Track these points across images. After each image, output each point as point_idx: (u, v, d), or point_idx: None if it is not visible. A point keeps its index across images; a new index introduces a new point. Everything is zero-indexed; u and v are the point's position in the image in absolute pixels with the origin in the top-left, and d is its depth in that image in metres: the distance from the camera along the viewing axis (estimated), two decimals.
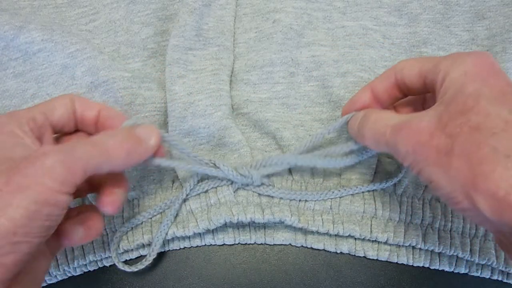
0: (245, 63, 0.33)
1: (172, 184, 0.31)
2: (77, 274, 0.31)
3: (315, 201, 0.30)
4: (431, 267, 0.30)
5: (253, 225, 0.31)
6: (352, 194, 0.30)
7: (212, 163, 0.28)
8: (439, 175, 0.21)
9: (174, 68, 0.31)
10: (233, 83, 0.33)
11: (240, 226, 0.31)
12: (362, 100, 0.27)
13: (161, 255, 0.31)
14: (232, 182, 0.30)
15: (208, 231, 0.30)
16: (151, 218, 0.30)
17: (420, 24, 0.35)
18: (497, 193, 0.18)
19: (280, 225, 0.31)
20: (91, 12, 0.36)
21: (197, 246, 0.31)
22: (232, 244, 0.31)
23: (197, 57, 0.32)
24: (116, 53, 0.34)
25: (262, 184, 0.30)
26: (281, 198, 0.30)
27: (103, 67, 0.31)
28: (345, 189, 0.30)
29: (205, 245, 0.31)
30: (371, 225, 0.30)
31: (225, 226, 0.31)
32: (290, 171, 0.31)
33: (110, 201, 0.24)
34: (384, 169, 0.31)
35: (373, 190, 0.30)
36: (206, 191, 0.30)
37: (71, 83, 0.32)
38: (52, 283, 0.31)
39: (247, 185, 0.30)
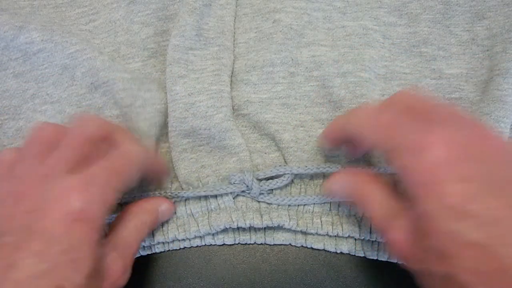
0: (245, 63, 0.33)
1: (171, 185, 0.31)
2: None
3: (314, 205, 0.30)
4: None
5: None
6: None
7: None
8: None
9: (174, 68, 0.31)
10: (233, 83, 0.33)
11: (240, 226, 0.31)
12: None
13: (161, 255, 0.31)
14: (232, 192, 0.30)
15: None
16: None
17: (420, 24, 0.35)
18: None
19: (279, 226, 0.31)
20: (91, 12, 0.36)
21: (197, 246, 0.31)
22: (232, 244, 0.31)
23: (197, 57, 0.32)
24: (116, 53, 0.34)
25: (261, 193, 0.30)
26: (279, 205, 0.30)
27: (103, 68, 0.31)
28: None
29: (205, 245, 0.31)
30: (371, 226, 0.30)
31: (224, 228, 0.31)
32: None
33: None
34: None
35: None
36: (206, 196, 0.30)
37: (71, 84, 0.32)
38: None
39: (248, 193, 0.30)
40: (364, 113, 0.25)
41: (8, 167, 0.24)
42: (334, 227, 0.30)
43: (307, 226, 0.30)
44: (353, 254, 0.30)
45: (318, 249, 0.31)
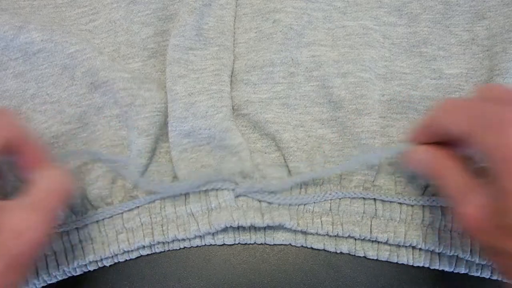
0: (245, 63, 0.33)
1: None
2: (77, 274, 0.31)
3: (314, 203, 0.30)
4: (431, 267, 0.30)
5: (253, 226, 0.31)
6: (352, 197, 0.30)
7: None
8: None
9: (174, 68, 0.31)
10: (233, 83, 0.33)
11: (240, 226, 0.31)
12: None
13: (161, 255, 0.31)
14: (233, 189, 0.30)
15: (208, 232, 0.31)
16: (151, 221, 0.30)
17: (420, 24, 0.35)
18: None
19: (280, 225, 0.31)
20: (91, 12, 0.36)
21: (197, 246, 0.31)
22: (232, 244, 0.31)
23: (197, 57, 0.32)
24: (116, 53, 0.34)
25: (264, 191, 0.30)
26: (280, 204, 0.30)
27: (102, 68, 0.31)
28: (345, 192, 0.30)
29: (205, 245, 0.31)
30: (371, 226, 0.30)
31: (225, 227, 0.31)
32: (289, 173, 0.31)
33: None
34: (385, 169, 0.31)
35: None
36: (206, 191, 0.30)
37: (71, 84, 0.32)
38: (52, 283, 0.31)
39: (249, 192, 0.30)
40: (451, 104, 0.25)
41: None
42: (334, 227, 0.30)
43: (307, 226, 0.30)
44: (353, 254, 0.30)
45: (318, 249, 0.31)
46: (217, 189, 0.30)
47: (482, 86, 0.25)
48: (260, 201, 0.30)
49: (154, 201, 0.31)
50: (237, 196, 0.30)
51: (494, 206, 0.21)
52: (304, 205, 0.30)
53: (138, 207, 0.31)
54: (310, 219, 0.30)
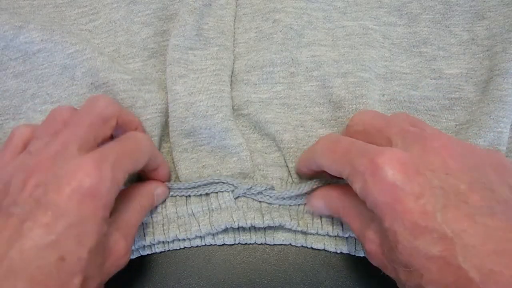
0: (245, 63, 0.33)
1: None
2: None
3: None
4: None
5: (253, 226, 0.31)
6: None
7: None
8: None
9: (175, 68, 0.31)
10: (233, 83, 0.33)
11: (240, 226, 0.31)
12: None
13: (161, 255, 0.31)
14: (233, 190, 0.30)
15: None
16: (152, 220, 0.30)
17: (420, 24, 0.35)
18: None
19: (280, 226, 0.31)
20: (91, 12, 0.36)
21: (197, 246, 0.31)
22: (232, 244, 0.31)
23: (197, 56, 0.32)
24: (116, 53, 0.34)
25: (263, 191, 0.30)
26: (280, 205, 0.30)
27: (103, 69, 0.31)
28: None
29: (205, 245, 0.31)
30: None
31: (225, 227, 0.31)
32: (289, 173, 0.31)
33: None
34: None
35: None
36: (207, 194, 0.30)
37: (71, 84, 0.32)
38: None
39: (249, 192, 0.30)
40: (324, 144, 0.26)
41: (23, 142, 0.25)
42: (334, 227, 0.30)
43: (307, 226, 0.30)
44: (353, 254, 0.30)
45: (318, 249, 0.31)
46: (217, 192, 0.30)
47: (354, 114, 0.27)
48: (260, 201, 0.30)
49: None
50: (237, 197, 0.30)
51: (384, 243, 0.22)
52: (305, 205, 0.30)
53: None
54: (310, 219, 0.30)
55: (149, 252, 0.31)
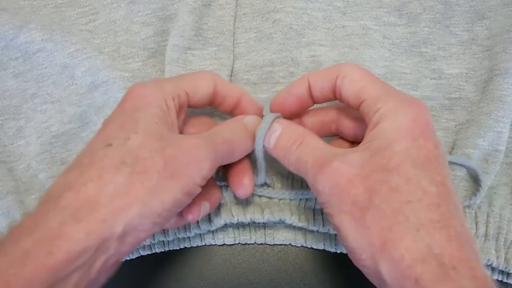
0: (245, 63, 0.33)
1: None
2: None
3: (316, 200, 0.30)
4: None
5: (253, 225, 0.31)
6: None
7: None
8: (349, 227, 0.21)
9: (173, 68, 0.31)
10: (233, 82, 0.33)
11: (240, 226, 0.31)
12: (299, 91, 0.26)
13: (161, 255, 0.31)
14: None
15: (208, 231, 0.30)
16: None
17: (420, 24, 0.35)
18: (401, 263, 0.18)
19: (280, 225, 0.31)
20: (91, 12, 0.36)
21: (197, 246, 0.31)
22: (232, 244, 0.31)
23: (196, 56, 0.32)
24: (116, 53, 0.34)
25: (264, 185, 0.30)
26: (281, 199, 0.30)
27: (103, 67, 0.31)
28: None
29: (205, 245, 0.31)
30: None
31: (225, 226, 0.31)
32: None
33: (193, 211, 0.25)
34: None
35: None
36: None
37: (71, 83, 0.32)
38: None
39: None
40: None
41: None
42: None
43: (308, 222, 0.30)
44: None
45: (318, 249, 0.31)
46: None
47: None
48: (260, 196, 0.30)
49: None
50: None
51: (363, 167, 0.21)
52: (306, 201, 0.30)
53: None
54: (311, 215, 0.30)
55: (149, 252, 0.31)
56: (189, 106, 0.26)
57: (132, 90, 0.24)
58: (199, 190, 0.22)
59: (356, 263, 0.21)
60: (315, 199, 0.30)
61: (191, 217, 0.25)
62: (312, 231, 0.30)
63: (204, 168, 0.22)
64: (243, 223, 0.30)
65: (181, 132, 0.27)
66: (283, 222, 0.30)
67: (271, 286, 0.30)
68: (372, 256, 0.20)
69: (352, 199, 0.20)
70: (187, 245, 0.31)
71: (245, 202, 0.30)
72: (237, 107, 0.28)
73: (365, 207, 0.20)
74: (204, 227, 0.29)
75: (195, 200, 0.24)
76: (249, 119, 0.27)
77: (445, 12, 0.35)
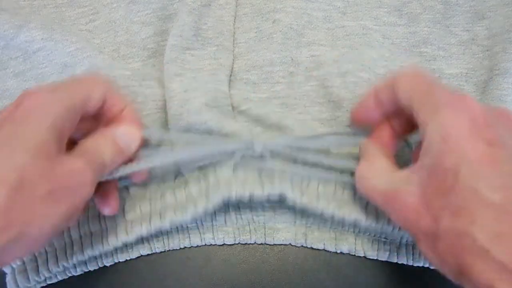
0: (245, 63, 0.33)
1: (174, 182, 0.31)
2: (77, 274, 0.30)
3: (318, 182, 0.29)
4: (431, 267, 0.30)
5: (253, 225, 0.31)
6: None
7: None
8: (428, 253, 0.21)
9: (171, 67, 0.31)
10: (233, 82, 0.33)
11: (240, 226, 0.31)
12: (368, 106, 0.27)
13: (161, 255, 0.31)
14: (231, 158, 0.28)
15: (208, 230, 0.30)
16: (150, 210, 0.30)
17: (420, 24, 0.35)
18: (480, 285, 0.18)
19: (280, 225, 0.31)
20: (91, 12, 0.36)
21: (197, 246, 0.31)
22: (232, 244, 0.31)
23: (195, 56, 0.32)
24: (116, 53, 0.34)
25: (262, 156, 0.28)
26: (282, 170, 0.28)
27: (103, 66, 0.31)
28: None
29: (205, 245, 0.31)
30: (376, 212, 0.28)
31: (225, 225, 0.30)
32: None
33: (108, 204, 0.27)
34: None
35: None
36: (205, 171, 0.29)
37: None
38: (52, 283, 0.31)
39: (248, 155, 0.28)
40: (409, 73, 0.25)
41: None
42: (341, 210, 0.28)
43: (312, 202, 0.28)
44: (353, 254, 0.30)
45: (318, 249, 0.31)
46: (215, 166, 0.29)
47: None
48: (260, 173, 0.29)
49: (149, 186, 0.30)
50: (234, 170, 0.29)
51: (433, 188, 0.21)
52: (308, 182, 0.29)
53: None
54: (315, 196, 0.29)
55: (149, 252, 0.31)
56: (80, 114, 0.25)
57: (25, 96, 0.23)
58: (80, 213, 0.23)
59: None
60: (318, 184, 0.29)
61: (108, 210, 0.26)
62: (313, 231, 0.30)
63: (87, 192, 0.22)
64: (243, 202, 0.29)
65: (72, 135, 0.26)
66: (284, 201, 0.29)
67: (271, 286, 0.30)
68: (456, 276, 0.20)
69: (423, 231, 0.21)
70: (187, 244, 0.31)
71: (244, 177, 0.28)
72: (118, 116, 0.27)
73: (435, 237, 0.20)
74: (201, 207, 0.28)
75: (109, 192, 0.26)
76: (121, 132, 0.26)
77: (445, 12, 0.35)
